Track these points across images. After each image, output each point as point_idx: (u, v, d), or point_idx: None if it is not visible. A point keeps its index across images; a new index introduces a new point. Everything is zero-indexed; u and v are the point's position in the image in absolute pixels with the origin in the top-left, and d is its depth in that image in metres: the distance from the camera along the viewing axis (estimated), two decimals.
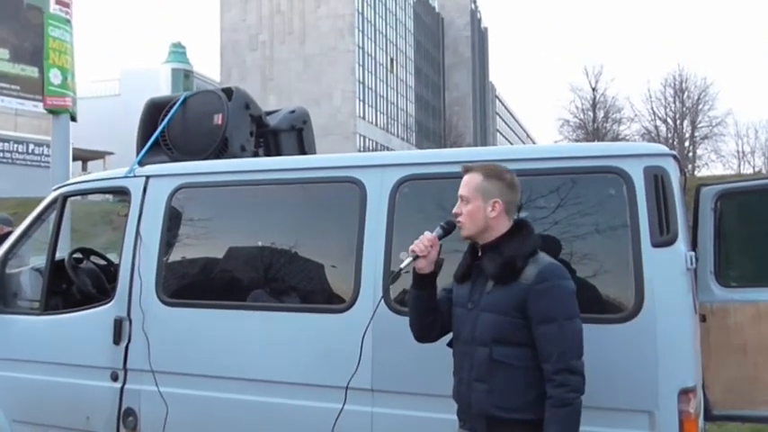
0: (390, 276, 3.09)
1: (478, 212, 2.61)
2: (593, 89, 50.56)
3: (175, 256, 3.90)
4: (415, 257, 2.65)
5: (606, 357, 2.89)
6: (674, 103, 49.75)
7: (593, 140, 43.27)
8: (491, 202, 2.60)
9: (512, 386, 2.51)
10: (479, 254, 2.66)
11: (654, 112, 49.86)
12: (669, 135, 48.01)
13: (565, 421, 2.41)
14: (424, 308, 2.77)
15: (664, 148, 3.12)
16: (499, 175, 2.64)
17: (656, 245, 2.90)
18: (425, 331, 2.81)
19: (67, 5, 8.42)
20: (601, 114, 50.52)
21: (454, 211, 2.68)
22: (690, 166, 43.80)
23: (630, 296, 2.91)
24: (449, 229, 2.72)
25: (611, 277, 3.05)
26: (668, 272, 2.89)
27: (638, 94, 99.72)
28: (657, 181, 2.96)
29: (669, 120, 49.84)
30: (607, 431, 2.87)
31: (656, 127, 49.10)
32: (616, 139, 44.47)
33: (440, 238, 2.70)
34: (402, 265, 2.72)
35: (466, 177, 2.68)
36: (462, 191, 2.66)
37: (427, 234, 2.68)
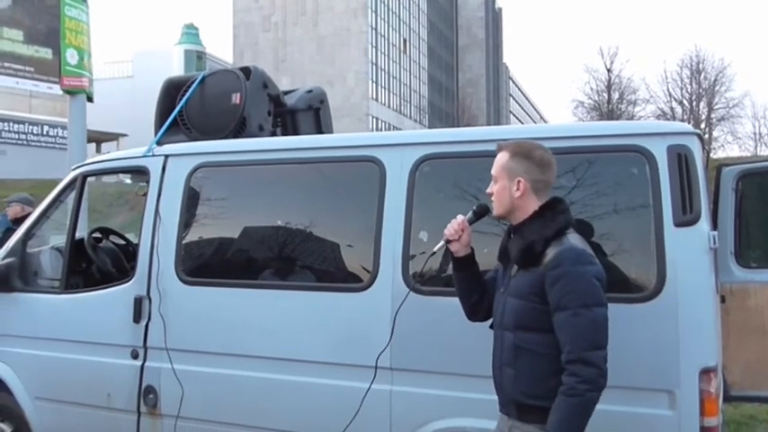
0: (424, 260, 3.04)
1: (504, 192, 2.56)
2: (609, 70, 50.04)
3: (194, 234, 3.91)
4: (447, 242, 2.65)
5: (627, 337, 2.87)
6: (691, 84, 49.12)
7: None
8: (515, 180, 2.54)
9: (536, 373, 2.45)
10: (511, 236, 2.62)
11: (670, 94, 49.26)
12: (685, 116, 47.43)
13: (569, 411, 2.31)
14: (466, 288, 2.77)
15: (688, 127, 3.10)
16: (526, 153, 2.56)
17: (678, 224, 2.88)
18: (473, 310, 2.81)
19: None
20: (616, 96, 50.03)
21: (487, 191, 2.65)
22: (706, 148, 43.30)
23: (652, 275, 2.89)
24: (480, 212, 2.70)
25: (632, 256, 3.03)
26: (691, 251, 2.87)
27: (654, 75, 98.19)
28: (681, 160, 2.93)
29: (685, 101, 49.24)
30: (627, 410, 2.87)
31: (671, 108, 48.52)
32: (631, 120, 44.06)
33: (471, 222, 2.69)
34: (435, 249, 2.73)
35: (497, 156, 2.63)
36: (492, 170, 2.62)
37: (459, 217, 2.67)
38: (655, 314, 2.87)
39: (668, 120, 43.62)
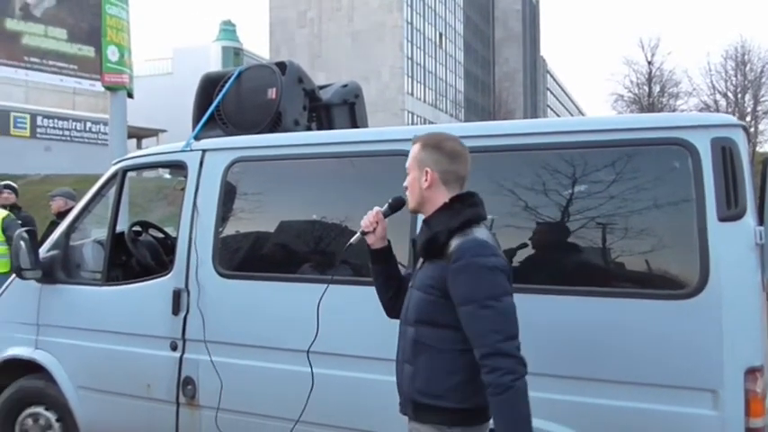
0: (342, 251, 3.08)
1: (414, 183, 2.50)
2: (649, 62, 49.15)
3: (231, 228, 3.95)
4: (363, 233, 2.64)
5: (669, 334, 2.83)
6: (735, 76, 47.96)
7: None
8: (424, 171, 2.47)
9: (434, 370, 2.35)
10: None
11: (713, 86, 48.16)
12: (729, 109, 46.38)
13: (506, 407, 2.19)
14: (383, 283, 2.75)
15: (732, 119, 3.00)
16: (436, 144, 2.49)
17: (723, 219, 2.81)
18: (389, 306, 2.77)
19: None
20: (657, 89, 49.11)
21: (404, 184, 2.58)
22: (751, 142, 42.38)
23: (695, 272, 2.82)
24: (395, 204, 2.68)
25: (675, 252, 2.96)
26: (735, 247, 2.79)
27: (697, 67, 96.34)
28: (726, 153, 2.85)
29: (729, 94, 48.11)
30: (669, 409, 2.82)
31: (715, 101, 47.45)
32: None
33: (386, 214, 2.67)
34: (351, 241, 2.70)
35: (411, 148, 2.57)
36: (407, 162, 2.57)
37: (374, 209, 2.66)
38: (698, 311, 2.80)
39: (712, 113, 42.74)
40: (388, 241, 2.72)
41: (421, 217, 2.56)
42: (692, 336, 2.81)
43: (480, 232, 2.38)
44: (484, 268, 2.26)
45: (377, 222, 2.63)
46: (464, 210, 2.41)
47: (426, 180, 2.46)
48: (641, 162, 3.02)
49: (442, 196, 2.45)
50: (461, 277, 2.27)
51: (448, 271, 2.30)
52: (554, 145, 3.18)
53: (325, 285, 2.96)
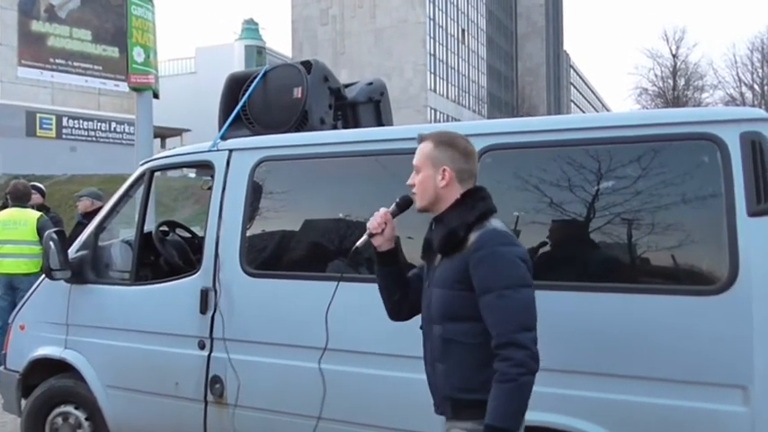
0: (349, 255, 3.03)
1: (429, 181, 2.47)
2: (674, 55, 48.73)
3: (258, 227, 3.97)
4: (371, 235, 2.58)
5: (698, 329, 2.80)
6: (762, 68, 47.35)
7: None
8: (440, 169, 2.46)
9: (466, 365, 2.36)
10: (432, 227, 2.55)
11: (739, 78, 47.64)
12: (756, 102, 45.74)
13: (505, 397, 2.20)
14: (389, 285, 2.69)
15: (762, 113, 2.95)
16: (450, 142, 2.49)
17: (752, 214, 2.77)
18: (395, 309, 2.73)
19: None
20: (681, 82, 48.63)
21: (408, 182, 2.55)
22: None
23: (725, 266, 2.79)
24: (403, 204, 2.61)
25: (703, 247, 2.94)
26: (765, 241, 2.76)
27: (723, 59, 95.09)
28: (755, 147, 2.81)
29: (756, 86, 47.52)
30: (698, 405, 2.79)
31: (741, 94, 46.87)
32: (698, 107, 42.77)
33: (394, 214, 2.62)
34: (358, 244, 2.64)
35: (419, 147, 2.54)
36: (414, 160, 2.53)
37: (381, 210, 2.59)
38: (727, 306, 2.77)
39: (738, 106, 42.13)
40: (396, 243, 2.67)
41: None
42: (721, 331, 2.78)
43: (497, 223, 2.41)
44: (504, 258, 2.29)
45: (385, 223, 2.59)
46: (477, 203, 2.44)
47: (443, 178, 2.46)
48: (670, 157, 2.99)
49: (455, 193, 2.46)
50: (483, 266, 2.29)
51: (469, 261, 2.32)
52: (582, 141, 3.16)
53: (336, 285, 2.95)
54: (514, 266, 2.29)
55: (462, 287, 2.35)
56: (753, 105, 44.59)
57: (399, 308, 2.72)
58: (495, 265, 2.28)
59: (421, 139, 2.57)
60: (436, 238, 2.48)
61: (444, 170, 2.46)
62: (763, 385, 2.72)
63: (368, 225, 2.60)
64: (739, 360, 2.75)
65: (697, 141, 2.95)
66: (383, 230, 2.59)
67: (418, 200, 2.53)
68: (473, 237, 2.35)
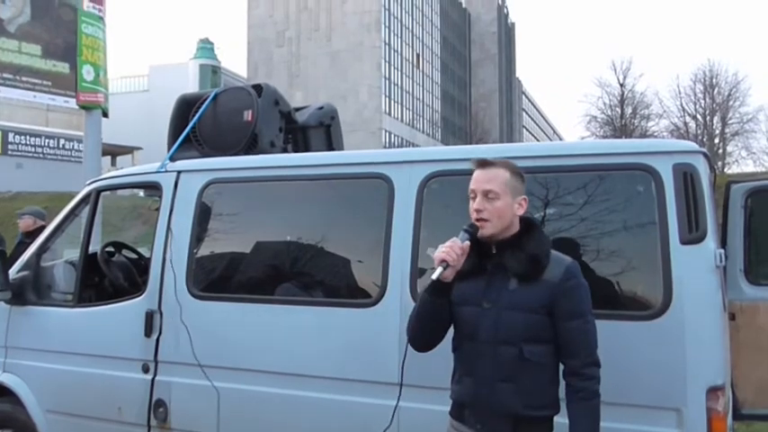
0: (428, 289, 2.74)
1: (507, 209, 2.54)
2: (621, 85, 50.02)
3: (206, 250, 3.95)
4: (446, 266, 2.47)
5: (634, 354, 2.89)
6: (704, 98, 49.00)
7: (620, 137, 42.78)
8: (519, 199, 2.58)
9: (540, 384, 2.52)
10: (494, 251, 2.58)
11: (683, 108, 49.19)
12: (699, 131, 47.30)
13: (595, 413, 2.46)
14: (438, 316, 2.61)
15: (693, 146, 3.10)
16: (521, 173, 2.63)
17: (684, 242, 2.89)
18: (435, 339, 2.66)
19: (101, 2, 8.54)
20: (629, 110, 49.93)
21: (475, 207, 2.54)
22: (720, 163, 43.15)
23: (659, 293, 2.90)
24: (474, 232, 2.55)
25: (639, 274, 3.05)
26: (697, 269, 2.88)
27: (667, 89, 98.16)
28: (687, 178, 2.95)
29: (699, 116, 49.11)
30: (634, 428, 2.87)
31: (685, 123, 48.42)
32: (644, 135, 44.01)
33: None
34: (434, 276, 2.49)
35: (490, 172, 2.56)
36: (489, 185, 2.53)
37: (457, 242, 2.50)
38: (661, 332, 2.87)
39: (682, 135, 43.54)
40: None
41: None
42: (656, 356, 2.87)
43: (560, 253, 2.62)
44: (586, 288, 2.56)
45: (462, 255, 2.49)
46: (543, 233, 2.67)
47: (521, 207, 2.60)
48: (610, 186, 3.11)
49: (517, 221, 2.61)
50: (575, 294, 2.51)
51: (556, 290, 2.49)
52: (528, 168, 3.24)
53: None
54: (589, 296, 2.57)
55: (545, 312, 2.50)
56: (696, 134, 46.12)
57: (435, 339, 2.67)
58: (582, 294, 2.54)
59: (488, 164, 2.60)
60: (514, 263, 2.53)
61: (524, 199, 2.61)
62: (697, 408, 2.81)
63: (440, 256, 2.47)
64: (673, 384, 2.85)
65: (634, 171, 3.08)
66: (458, 262, 2.51)
67: (491, 226, 2.54)
68: (555, 266, 2.53)
